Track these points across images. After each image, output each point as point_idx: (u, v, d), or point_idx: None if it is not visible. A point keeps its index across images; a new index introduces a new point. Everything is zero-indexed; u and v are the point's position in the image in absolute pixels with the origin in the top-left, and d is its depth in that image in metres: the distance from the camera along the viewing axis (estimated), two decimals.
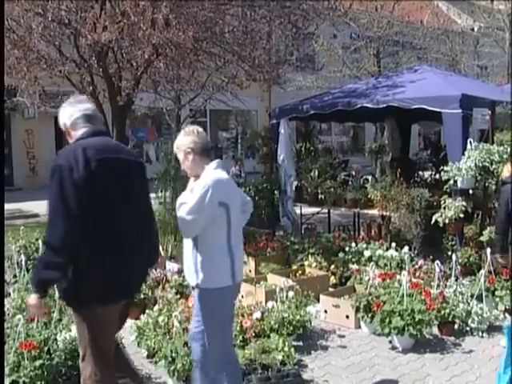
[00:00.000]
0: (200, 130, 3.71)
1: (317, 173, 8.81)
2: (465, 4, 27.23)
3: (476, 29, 25.35)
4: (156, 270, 6.47)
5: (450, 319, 5.52)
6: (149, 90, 10.68)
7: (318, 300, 6.05)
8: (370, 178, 8.26)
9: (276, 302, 5.53)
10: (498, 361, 4.93)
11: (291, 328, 5.20)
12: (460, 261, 6.47)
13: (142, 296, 5.84)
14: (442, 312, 5.49)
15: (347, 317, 5.78)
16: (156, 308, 5.40)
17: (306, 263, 7.12)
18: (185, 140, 3.63)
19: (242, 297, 6.18)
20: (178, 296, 5.90)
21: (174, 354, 4.43)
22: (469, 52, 22.38)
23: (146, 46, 7.94)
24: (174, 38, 7.74)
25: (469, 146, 6.65)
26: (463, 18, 26.36)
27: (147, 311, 5.37)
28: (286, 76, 10.95)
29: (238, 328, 5.01)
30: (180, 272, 6.77)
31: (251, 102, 16.63)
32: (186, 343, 4.46)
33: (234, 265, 3.61)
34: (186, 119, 14.89)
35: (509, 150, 6.46)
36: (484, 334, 5.49)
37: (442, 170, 6.70)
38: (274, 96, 17.20)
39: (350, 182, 8.93)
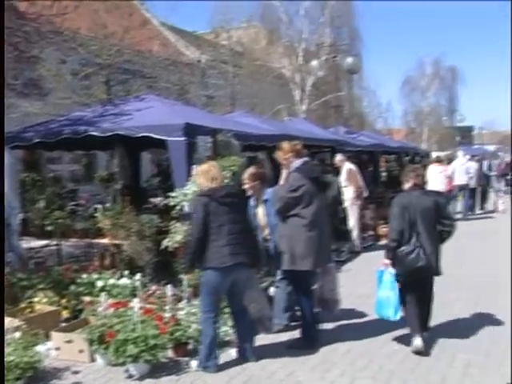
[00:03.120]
0: None
1: (44, 204, 8.43)
2: (192, 37, 28.72)
3: (203, 61, 26.88)
4: None
5: (183, 340, 5.68)
6: None
7: (50, 337, 5.78)
8: (100, 206, 8.17)
9: None
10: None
11: (19, 371, 4.86)
12: (191, 283, 6.70)
13: None
14: (176, 334, 5.63)
15: (81, 351, 5.60)
16: None
17: (36, 299, 6.73)
18: None
19: None
20: None
21: None
22: (197, 82, 23.60)
23: None
24: None
25: (193, 172, 6.98)
26: (191, 50, 27.73)
27: None
28: (9, 101, 10.33)
29: None
30: None
31: None
32: None
33: None
34: None
35: (230, 175, 6.93)
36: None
37: (170, 196, 6.92)
38: None
39: (79, 212, 8.73)
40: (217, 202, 5.19)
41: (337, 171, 11.53)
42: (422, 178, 6.39)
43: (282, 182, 6.10)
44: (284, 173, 6.10)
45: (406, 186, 6.05)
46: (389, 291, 5.78)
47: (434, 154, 31.39)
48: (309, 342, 5.93)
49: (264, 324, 6.16)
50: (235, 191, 5.55)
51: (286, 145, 6.07)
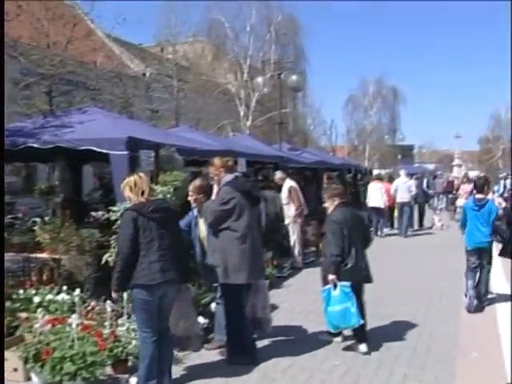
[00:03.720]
0: None
1: None
2: (137, 50, 28.52)
3: (148, 74, 26.71)
4: None
5: (123, 357, 5.59)
6: None
7: None
8: (38, 220, 7.97)
9: None
10: None
11: None
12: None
13: None
14: (115, 351, 5.53)
15: (15, 370, 5.43)
16: None
17: None
18: None
19: None
20: None
21: None
22: (141, 96, 23.39)
23: None
24: None
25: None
26: (135, 62, 27.51)
27: None
28: None
29: None
30: None
31: None
32: None
33: None
34: None
35: (172, 190, 6.90)
36: None
37: (111, 210, 6.83)
38: None
39: (17, 225, 8.49)
40: (146, 217, 5.00)
41: (278, 188, 11.60)
42: (346, 195, 6.86)
43: (213, 197, 6.09)
44: (215, 188, 6.11)
45: (333, 203, 6.39)
46: (344, 304, 6.05)
47: (376, 172, 32.31)
48: (248, 358, 5.90)
49: (192, 342, 6.07)
50: (165, 206, 5.37)
51: (217, 160, 6.12)
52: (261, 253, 6.25)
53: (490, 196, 8.29)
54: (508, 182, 26.85)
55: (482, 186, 8.30)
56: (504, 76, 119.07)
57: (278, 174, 11.79)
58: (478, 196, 8.17)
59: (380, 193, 17.25)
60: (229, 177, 5.99)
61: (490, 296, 8.54)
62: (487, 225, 7.94)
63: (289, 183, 11.59)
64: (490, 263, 8.25)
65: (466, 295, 8.08)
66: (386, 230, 18.10)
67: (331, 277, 6.08)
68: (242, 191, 5.88)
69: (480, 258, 8.08)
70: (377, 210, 17.58)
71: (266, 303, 6.62)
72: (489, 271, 8.30)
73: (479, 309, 7.95)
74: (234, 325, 5.94)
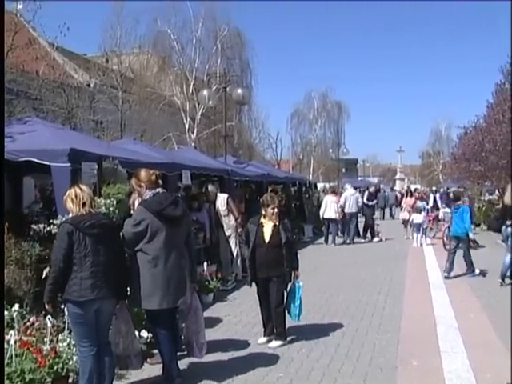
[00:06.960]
0: None
1: None
2: (81, 60, 28.07)
3: (92, 85, 26.31)
4: None
5: (63, 374, 5.46)
6: None
7: None
8: None
9: None
10: None
11: None
12: None
13: None
14: (55, 367, 5.40)
15: None
16: None
17: None
18: None
19: None
20: None
21: None
22: (85, 106, 22.99)
23: None
24: None
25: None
26: (79, 73, 27.04)
27: None
28: None
29: None
30: None
31: None
32: None
33: None
34: None
35: (115, 202, 6.82)
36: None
37: (52, 223, 6.70)
38: None
39: None
40: (81, 232, 4.92)
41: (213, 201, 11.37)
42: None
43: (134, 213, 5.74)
44: (136, 204, 5.78)
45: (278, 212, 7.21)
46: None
47: (320, 185, 32.86)
48: (170, 382, 5.70)
49: (131, 361, 5.85)
50: (105, 222, 5.20)
51: (142, 173, 5.70)
52: (181, 276, 5.65)
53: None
54: (438, 195, 28.71)
55: (458, 197, 13.23)
56: (445, 92, 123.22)
57: (210, 188, 11.55)
58: (457, 203, 12.54)
59: (336, 205, 18.50)
60: (148, 194, 5.60)
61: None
62: (462, 221, 11.83)
63: (223, 195, 11.48)
64: (466, 246, 12.00)
65: (444, 270, 11.96)
66: (339, 240, 18.85)
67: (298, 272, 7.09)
68: (156, 211, 5.46)
69: (458, 242, 11.96)
70: (333, 221, 18.61)
71: (199, 326, 6.13)
72: (468, 251, 12.01)
73: (456, 276, 11.90)
74: (159, 346, 5.80)
